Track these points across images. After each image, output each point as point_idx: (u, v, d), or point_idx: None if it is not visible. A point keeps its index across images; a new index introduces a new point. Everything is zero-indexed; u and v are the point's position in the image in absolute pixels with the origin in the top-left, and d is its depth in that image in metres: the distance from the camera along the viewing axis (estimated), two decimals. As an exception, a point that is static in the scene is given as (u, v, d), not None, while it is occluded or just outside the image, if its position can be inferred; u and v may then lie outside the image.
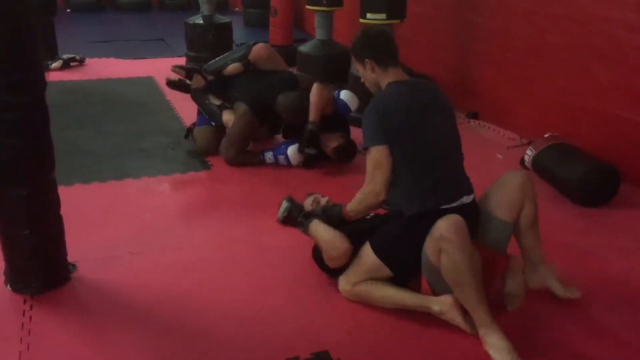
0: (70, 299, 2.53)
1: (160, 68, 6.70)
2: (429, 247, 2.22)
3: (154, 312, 2.44)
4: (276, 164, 3.99)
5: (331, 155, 3.95)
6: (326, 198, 2.79)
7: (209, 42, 6.58)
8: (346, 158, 4.00)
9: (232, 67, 4.23)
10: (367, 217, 2.63)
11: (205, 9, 6.83)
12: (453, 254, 2.11)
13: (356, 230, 2.51)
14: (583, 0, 3.93)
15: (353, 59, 2.58)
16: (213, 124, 4.13)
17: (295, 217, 2.58)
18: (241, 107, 4.02)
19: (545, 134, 3.95)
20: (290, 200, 2.85)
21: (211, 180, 3.92)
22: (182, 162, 4.12)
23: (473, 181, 2.51)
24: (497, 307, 2.34)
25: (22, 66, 2.33)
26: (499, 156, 4.24)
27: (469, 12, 5.09)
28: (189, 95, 4.40)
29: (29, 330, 2.30)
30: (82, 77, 6.42)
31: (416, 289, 2.40)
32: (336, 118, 4.04)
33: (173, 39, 8.24)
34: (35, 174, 2.47)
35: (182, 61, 6.75)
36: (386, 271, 2.39)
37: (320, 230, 2.51)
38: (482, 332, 2.16)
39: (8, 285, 2.55)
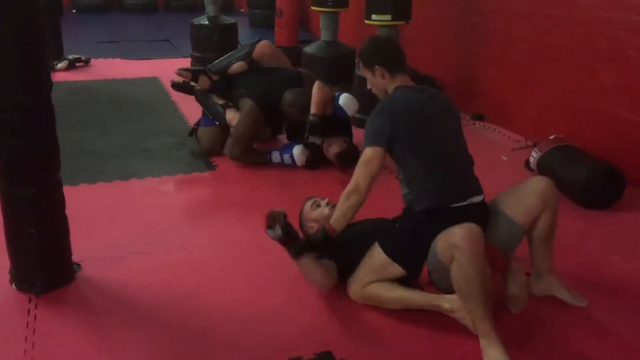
0: (75, 298, 2.55)
1: (166, 69, 6.72)
2: (440, 248, 2.20)
3: (158, 312, 2.45)
4: (281, 164, 4.00)
5: (333, 161, 3.94)
6: (326, 200, 2.78)
7: (214, 43, 6.59)
8: (348, 164, 3.99)
9: (237, 66, 4.24)
10: (358, 222, 2.62)
11: (210, 10, 6.84)
12: (465, 265, 2.10)
13: (351, 236, 2.51)
14: (585, 1, 3.94)
15: (361, 65, 2.60)
16: (217, 123, 4.14)
17: (285, 245, 2.51)
18: (247, 103, 4.01)
19: (550, 136, 3.95)
20: (283, 225, 2.42)
21: (215, 180, 3.93)
22: (187, 162, 4.14)
23: (478, 183, 2.52)
24: (499, 308, 2.34)
25: (28, 67, 2.35)
26: (504, 158, 4.23)
27: (472, 14, 5.09)
28: (193, 97, 4.41)
29: (34, 329, 2.31)
30: (87, 78, 6.45)
31: (416, 286, 2.41)
32: (337, 119, 4.03)
33: (179, 39, 8.26)
34: (41, 174, 2.48)
35: (187, 62, 6.78)
36: (395, 269, 2.38)
37: (309, 268, 2.47)
38: (483, 343, 2.16)
39: (13, 284, 2.56)
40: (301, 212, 2.81)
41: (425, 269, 2.44)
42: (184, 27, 7.25)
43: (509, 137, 4.63)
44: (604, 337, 2.32)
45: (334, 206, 2.63)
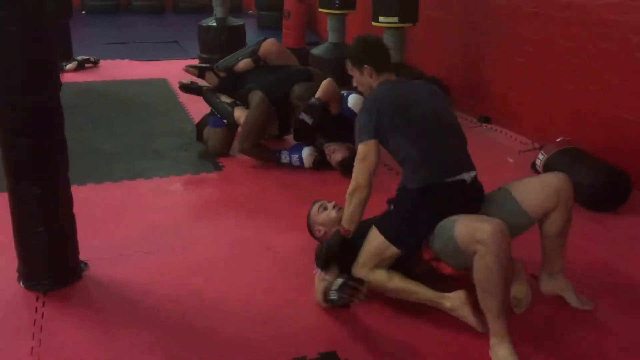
0: (82, 297, 2.56)
1: (174, 70, 6.76)
2: (463, 238, 2.17)
3: (163, 311, 2.46)
4: (288, 165, 4.01)
5: (336, 167, 3.93)
6: (332, 203, 2.79)
7: (222, 44, 6.62)
8: (351, 172, 3.98)
9: (243, 63, 4.25)
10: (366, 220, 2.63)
11: (218, 11, 6.88)
12: (489, 263, 2.09)
13: (359, 231, 2.52)
14: (592, 3, 3.93)
15: (349, 64, 2.68)
16: (225, 121, 4.15)
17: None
18: (257, 95, 4.01)
19: (556, 139, 3.94)
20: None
21: (222, 181, 3.95)
22: (194, 163, 4.16)
23: (484, 185, 2.52)
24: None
25: (37, 67, 2.37)
26: (510, 160, 4.23)
27: (479, 17, 5.09)
28: (201, 97, 4.43)
29: (41, 327, 2.33)
30: (96, 79, 6.49)
31: (423, 271, 2.42)
32: (343, 120, 4.02)
33: (186, 41, 8.30)
34: (49, 173, 2.50)
35: (195, 63, 6.79)
36: (392, 249, 2.40)
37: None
38: (493, 341, 2.16)
39: (21, 282, 2.59)
40: (309, 215, 2.83)
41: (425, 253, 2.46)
42: (192, 29, 7.28)
43: (516, 139, 4.63)
44: (608, 340, 2.32)
45: (340, 209, 2.66)
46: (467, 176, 2.42)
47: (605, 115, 3.89)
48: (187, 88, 4.52)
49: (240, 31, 7.04)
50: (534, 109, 4.57)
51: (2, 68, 2.33)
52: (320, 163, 3.98)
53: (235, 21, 7.10)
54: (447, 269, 2.56)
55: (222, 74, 4.31)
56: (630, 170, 3.50)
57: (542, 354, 2.22)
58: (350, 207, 2.45)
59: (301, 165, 3.98)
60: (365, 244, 2.46)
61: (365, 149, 2.43)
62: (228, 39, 6.72)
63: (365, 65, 2.58)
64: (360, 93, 2.83)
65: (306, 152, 3.95)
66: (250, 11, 11.06)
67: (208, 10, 7.35)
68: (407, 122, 2.44)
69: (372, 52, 2.62)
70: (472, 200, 2.44)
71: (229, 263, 2.85)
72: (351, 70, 2.68)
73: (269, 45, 4.28)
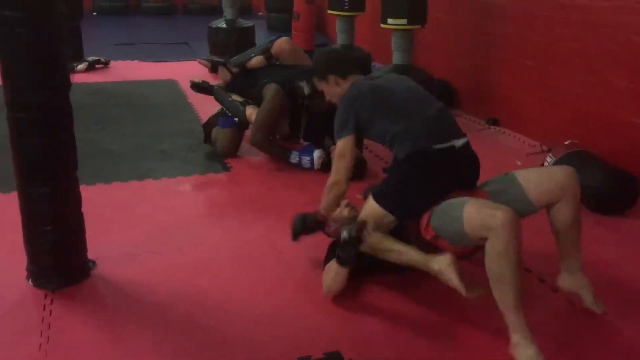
0: (90, 295, 2.59)
1: (183, 71, 6.81)
2: (471, 223, 2.17)
3: (169, 310, 2.48)
4: (295, 166, 4.02)
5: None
6: (346, 201, 2.81)
7: (231, 45, 6.66)
8: (355, 176, 3.97)
9: (255, 60, 4.27)
10: None
11: (228, 13, 6.92)
12: (502, 250, 2.08)
13: None
14: (600, 6, 3.92)
15: (316, 81, 2.88)
16: (235, 119, 4.15)
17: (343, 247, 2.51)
18: (272, 87, 4.02)
19: (565, 141, 3.93)
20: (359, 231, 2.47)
21: (230, 181, 3.97)
22: (202, 163, 4.18)
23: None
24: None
25: (47, 67, 2.40)
26: (519, 163, 4.21)
27: (487, 19, 5.09)
28: (210, 99, 4.45)
29: (49, 324, 2.36)
30: (106, 79, 6.53)
31: (424, 248, 2.42)
32: None
33: (196, 42, 8.35)
34: (58, 173, 2.53)
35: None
36: (389, 217, 2.45)
37: (340, 278, 2.51)
38: (515, 340, 2.12)
39: (30, 281, 2.62)
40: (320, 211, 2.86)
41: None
42: (202, 30, 7.33)
43: (524, 141, 4.62)
44: (615, 341, 2.31)
45: (353, 207, 2.72)
46: (456, 142, 2.47)
47: (613, 118, 3.87)
48: (198, 87, 4.53)
49: (249, 33, 7.08)
50: (542, 112, 4.56)
51: (12, 68, 2.36)
52: (328, 165, 3.98)
53: (245, 23, 7.14)
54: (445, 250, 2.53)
55: (234, 69, 4.32)
56: (639, 173, 3.48)
57: (548, 354, 2.22)
58: (328, 199, 2.66)
59: (311, 168, 3.99)
60: (362, 212, 2.54)
61: (343, 146, 2.59)
62: (238, 41, 6.76)
63: (329, 75, 2.77)
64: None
65: (317, 154, 3.96)
66: (260, 13, 11.10)
67: (218, 12, 7.41)
68: (386, 107, 2.56)
69: (332, 62, 2.82)
70: (465, 166, 2.50)
71: (235, 263, 2.87)
72: (319, 85, 2.86)
73: (281, 43, 4.30)
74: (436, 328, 2.37)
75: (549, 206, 2.38)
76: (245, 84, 4.27)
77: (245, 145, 4.32)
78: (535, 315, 2.40)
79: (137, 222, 3.27)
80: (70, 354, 2.21)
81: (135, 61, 7.47)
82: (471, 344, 2.28)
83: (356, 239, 2.38)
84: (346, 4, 5.81)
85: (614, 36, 3.82)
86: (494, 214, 2.11)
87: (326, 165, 3.99)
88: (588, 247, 2.98)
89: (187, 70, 6.81)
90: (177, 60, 7.55)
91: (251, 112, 4.09)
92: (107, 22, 10.47)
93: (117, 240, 3.03)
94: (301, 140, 4.42)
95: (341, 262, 2.45)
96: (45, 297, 2.53)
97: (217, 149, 4.28)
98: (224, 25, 6.92)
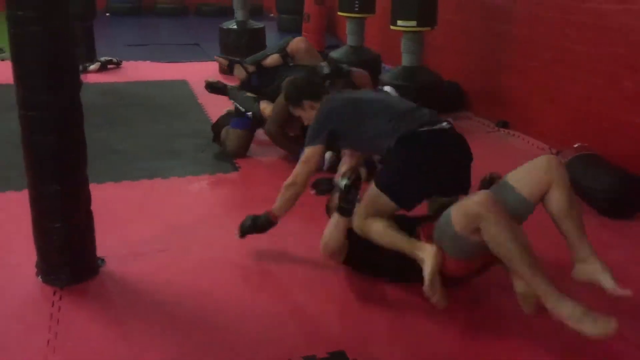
0: (98, 292, 2.62)
1: (194, 72, 6.86)
2: (457, 220, 2.23)
3: (177, 308, 2.50)
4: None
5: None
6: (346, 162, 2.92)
7: (242, 47, 6.69)
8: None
9: (271, 59, 4.30)
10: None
11: (239, 14, 6.95)
12: (491, 229, 2.13)
13: None
14: (610, 9, 3.91)
15: (292, 109, 3.06)
16: (249, 114, 4.13)
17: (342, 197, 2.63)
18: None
19: (574, 144, 3.92)
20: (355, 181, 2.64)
21: (239, 181, 3.99)
22: (211, 163, 4.21)
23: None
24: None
25: (58, 67, 2.43)
26: (527, 165, 4.21)
27: (498, 22, 5.08)
28: (220, 99, 4.47)
29: (58, 320, 2.38)
30: (118, 80, 6.59)
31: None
32: None
33: (208, 43, 8.39)
34: (68, 171, 2.56)
35: (215, 66, 6.87)
36: (387, 201, 2.49)
37: (338, 230, 2.59)
38: (549, 306, 2.11)
39: (39, 277, 2.65)
40: (330, 198, 2.93)
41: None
42: (214, 31, 7.37)
43: (533, 144, 4.61)
44: (624, 349, 2.30)
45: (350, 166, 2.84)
46: (442, 125, 2.57)
47: (623, 121, 3.85)
48: (212, 87, 4.56)
49: (260, 34, 7.11)
50: (551, 114, 4.55)
51: (23, 67, 2.40)
52: (337, 166, 3.99)
53: (256, 24, 7.17)
54: (453, 270, 2.53)
55: (250, 68, 4.34)
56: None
57: (551, 356, 2.21)
58: (283, 198, 2.76)
59: (320, 168, 3.99)
60: (365, 197, 2.59)
61: (310, 152, 2.71)
62: (248, 42, 6.79)
63: (304, 101, 2.93)
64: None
65: (327, 155, 3.97)
66: (272, 14, 11.14)
67: (230, 13, 7.43)
68: (364, 110, 2.67)
69: (303, 89, 2.99)
70: (455, 144, 2.57)
71: (242, 262, 2.89)
72: (295, 112, 3.03)
73: (298, 42, 4.38)
74: (441, 329, 2.37)
75: (543, 198, 2.36)
76: (260, 83, 4.28)
77: (254, 145, 4.35)
78: (535, 316, 2.40)
79: (146, 220, 3.30)
80: (77, 350, 2.24)
81: (147, 62, 7.52)
82: (479, 343, 2.28)
83: (352, 186, 2.51)
84: (356, 5, 5.82)
85: (625, 39, 3.80)
86: (470, 203, 2.19)
87: (336, 167, 4.00)
88: (595, 250, 2.97)
89: (198, 71, 6.86)
90: (188, 61, 7.60)
91: (265, 106, 4.10)
92: (120, 23, 10.55)
93: (126, 238, 3.06)
94: None
95: (341, 211, 2.55)
96: (54, 293, 2.56)
97: (226, 149, 4.30)
98: (235, 27, 6.96)
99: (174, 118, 5.25)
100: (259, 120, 4.20)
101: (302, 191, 2.75)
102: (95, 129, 4.43)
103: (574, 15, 4.23)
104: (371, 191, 2.56)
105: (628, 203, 3.40)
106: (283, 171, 4.01)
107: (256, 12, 10.26)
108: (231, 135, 4.27)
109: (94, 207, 2.70)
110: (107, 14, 11.25)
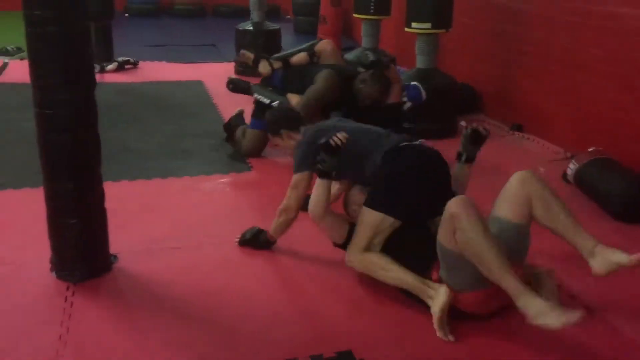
0: (110, 288, 2.65)
1: (210, 72, 6.91)
2: (441, 233, 2.28)
3: (187, 305, 2.53)
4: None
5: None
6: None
7: (258, 48, 6.71)
8: None
9: (298, 57, 4.34)
10: None
11: (255, 16, 6.99)
12: (464, 227, 2.16)
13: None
14: (625, 12, 3.88)
15: (271, 137, 3.18)
16: (274, 103, 4.09)
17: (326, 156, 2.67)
18: (326, 71, 4.03)
19: (589, 148, 3.89)
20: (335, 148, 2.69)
21: (251, 181, 4.02)
22: (224, 163, 4.24)
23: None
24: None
25: (74, 66, 2.47)
26: (541, 169, 4.18)
27: (512, 24, 5.06)
28: (234, 100, 4.49)
29: (70, 315, 2.42)
30: (134, 80, 6.65)
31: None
32: (393, 111, 4.03)
33: (224, 44, 8.44)
34: (82, 169, 2.60)
35: (231, 66, 6.92)
36: (385, 220, 2.52)
37: (322, 191, 2.67)
38: (520, 304, 2.12)
39: (53, 272, 2.69)
40: (347, 195, 2.92)
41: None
42: (230, 32, 7.41)
43: (548, 148, 4.58)
44: (624, 349, 2.29)
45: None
46: (419, 142, 2.75)
47: (638, 125, 3.82)
48: (235, 84, 4.57)
49: (276, 35, 7.14)
50: (566, 118, 4.52)
51: (39, 67, 2.44)
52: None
53: (272, 25, 7.20)
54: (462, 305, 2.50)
55: (276, 64, 4.34)
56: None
57: (551, 354, 2.21)
58: (277, 223, 2.89)
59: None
60: (358, 225, 2.59)
61: (298, 179, 2.80)
62: (264, 43, 6.81)
63: (282, 131, 3.01)
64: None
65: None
66: (288, 16, 11.19)
67: (247, 14, 7.48)
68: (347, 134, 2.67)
69: (280, 119, 3.09)
70: (433, 156, 2.68)
71: (252, 261, 2.91)
72: (275, 141, 3.14)
73: (325, 43, 4.52)
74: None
75: (531, 211, 2.37)
76: (283, 80, 4.26)
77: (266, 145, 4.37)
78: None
79: (159, 218, 3.34)
80: (89, 345, 2.27)
81: (164, 62, 7.59)
82: (484, 344, 2.28)
83: (333, 146, 2.58)
84: (372, 7, 5.83)
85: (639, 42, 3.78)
86: (447, 207, 2.24)
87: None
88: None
89: (214, 72, 6.91)
90: (205, 62, 7.65)
91: (292, 96, 4.10)
92: (138, 24, 10.66)
93: (139, 235, 3.10)
94: None
95: (319, 173, 2.65)
96: (68, 289, 2.60)
97: (241, 149, 4.32)
98: (251, 28, 6.99)
99: (189, 118, 5.29)
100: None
101: (294, 216, 2.85)
102: (111, 128, 4.49)
103: (590, 19, 4.20)
104: (362, 216, 2.58)
105: (642, 207, 3.37)
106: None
107: (273, 13, 10.31)
108: (249, 135, 4.28)
109: (108, 204, 2.74)
110: (126, 15, 11.37)
